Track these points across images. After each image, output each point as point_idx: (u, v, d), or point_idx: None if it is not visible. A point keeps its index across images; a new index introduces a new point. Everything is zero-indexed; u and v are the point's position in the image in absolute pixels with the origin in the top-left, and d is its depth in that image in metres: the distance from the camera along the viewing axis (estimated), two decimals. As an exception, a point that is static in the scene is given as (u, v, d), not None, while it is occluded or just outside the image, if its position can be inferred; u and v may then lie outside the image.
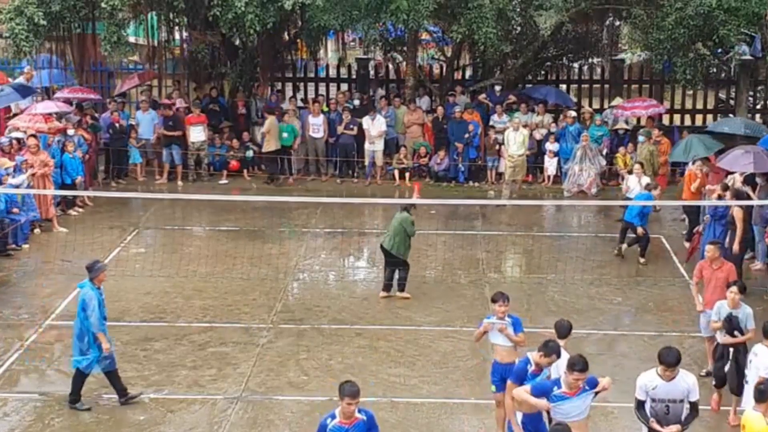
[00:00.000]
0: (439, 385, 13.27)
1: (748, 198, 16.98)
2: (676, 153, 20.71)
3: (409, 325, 15.30)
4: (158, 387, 13.11)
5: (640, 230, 18.11)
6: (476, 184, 23.96)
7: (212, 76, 26.87)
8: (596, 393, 9.66)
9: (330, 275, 18.06)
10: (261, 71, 25.89)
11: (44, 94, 25.01)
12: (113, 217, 20.88)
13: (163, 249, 19.04)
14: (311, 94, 28.03)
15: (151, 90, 26.51)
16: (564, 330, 10.93)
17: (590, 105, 26.99)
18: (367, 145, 24.00)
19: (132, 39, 26.26)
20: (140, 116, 24.36)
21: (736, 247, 16.19)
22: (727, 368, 12.12)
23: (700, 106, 28.61)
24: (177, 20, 24.94)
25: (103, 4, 21.91)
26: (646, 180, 18.71)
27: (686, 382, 9.70)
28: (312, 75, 29.72)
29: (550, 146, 23.72)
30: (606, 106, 24.90)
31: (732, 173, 18.19)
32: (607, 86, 28.13)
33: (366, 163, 24.19)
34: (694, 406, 9.73)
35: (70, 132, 21.36)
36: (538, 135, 23.99)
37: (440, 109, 24.53)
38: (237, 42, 26.36)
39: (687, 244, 18.41)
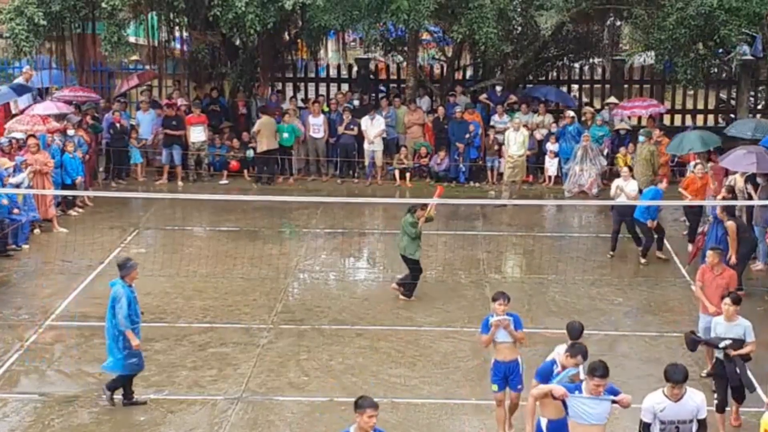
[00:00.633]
0: (439, 386, 13.25)
1: (750, 198, 16.97)
2: (672, 146, 20.92)
3: (409, 326, 15.28)
4: (158, 388, 13.08)
5: (650, 223, 18.06)
6: (477, 184, 23.93)
7: (212, 77, 26.86)
8: (614, 401, 9.40)
9: (330, 276, 18.03)
10: (261, 71, 25.87)
11: (39, 95, 24.93)
12: (113, 217, 20.86)
13: (163, 249, 19.02)
14: (311, 94, 28.03)
15: (151, 90, 26.46)
16: (575, 332, 10.89)
17: (591, 105, 26.92)
18: (366, 146, 23.97)
19: (132, 39, 26.23)
20: (140, 116, 24.34)
21: (733, 259, 16.15)
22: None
23: (701, 106, 28.58)
24: (177, 20, 24.92)
25: (103, 4, 21.89)
26: (634, 184, 18.57)
27: (694, 401, 9.41)
28: (312, 75, 29.70)
29: (551, 146, 23.69)
30: (613, 107, 24.81)
31: (734, 173, 18.17)
32: (608, 86, 28.11)
33: (366, 164, 24.16)
34: (702, 423, 9.47)
35: (70, 132, 21.34)
36: (538, 135, 23.97)
37: (441, 110, 24.50)
38: (237, 42, 26.34)
39: (690, 247, 18.34)
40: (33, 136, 19.93)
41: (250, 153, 24.11)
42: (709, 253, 13.58)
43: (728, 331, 11.70)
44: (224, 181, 23.95)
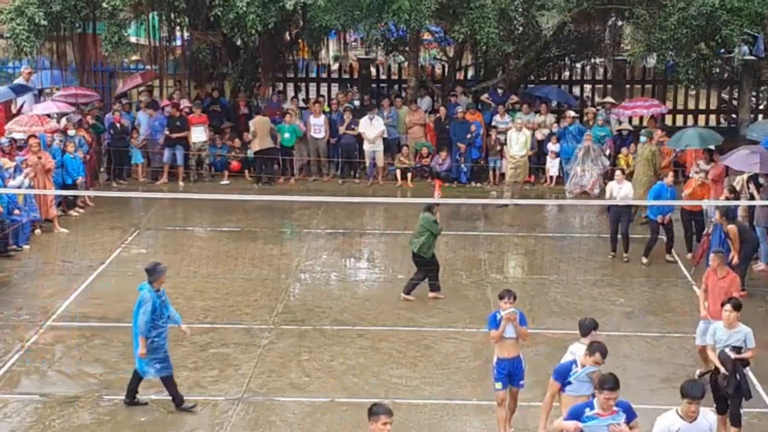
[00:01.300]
0: (441, 387, 13.23)
1: (752, 198, 16.94)
2: (671, 141, 21.12)
3: (411, 326, 15.25)
4: (159, 388, 13.02)
5: (660, 218, 18.01)
6: (479, 184, 23.91)
7: (213, 77, 26.84)
8: (629, 425, 9.20)
9: (332, 276, 18.01)
10: (262, 71, 25.86)
11: (39, 95, 24.94)
12: (114, 217, 20.85)
13: (164, 250, 18.99)
14: (312, 95, 28.01)
15: (152, 90, 26.42)
16: (584, 328, 10.88)
17: (593, 105, 26.89)
18: (366, 146, 23.94)
19: (133, 39, 26.22)
20: (141, 116, 24.31)
21: (735, 259, 16.15)
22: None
23: (702, 106, 28.55)
24: (178, 20, 24.90)
25: (104, 4, 21.89)
26: (627, 188, 18.47)
27: (708, 421, 9.19)
28: (313, 75, 29.69)
29: (552, 147, 23.67)
30: (610, 107, 24.79)
31: (736, 172, 18.14)
32: (609, 86, 28.09)
33: (367, 164, 24.13)
34: None
35: (71, 132, 21.32)
36: (540, 135, 23.95)
37: (442, 110, 24.47)
38: (238, 42, 26.32)
39: (689, 254, 18.32)
40: (34, 136, 19.92)
41: (250, 153, 24.09)
42: (711, 256, 13.50)
43: (729, 338, 11.55)
44: (225, 182, 23.94)
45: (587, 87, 29.17)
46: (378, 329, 15.13)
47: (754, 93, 28.07)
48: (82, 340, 14.65)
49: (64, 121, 22.18)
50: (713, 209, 17.23)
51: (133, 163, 23.98)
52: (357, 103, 25.64)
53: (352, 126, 24.03)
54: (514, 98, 25.03)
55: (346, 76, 29.11)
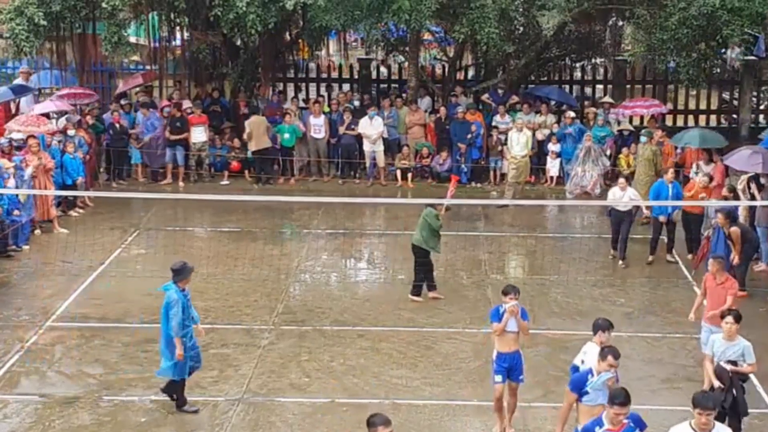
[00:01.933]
0: (441, 387, 13.21)
1: (753, 199, 16.92)
2: (674, 139, 21.33)
3: (411, 327, 15.23)
4: (159, 389, 13.04)
5: (662, 218, 17.98)
6: (479, 185, 23.88)
7: (213, 77, 26.82)
8: None
9: (332, 276, 17.99)
10: (262, 71, 25.84)
11: (37, 96, 24.92)
12: (114, 218, 20.82)
13: (164, 250, 18.97)
14: (312, 95, 28.00)
15: (152, 90, 26.38)
16: (595, 327, 10.85)
17: (593, 105, 26.87)
18: (366, 146, 23.91)
19: (133, 39, 26.20)
20: (140, 117, 24.26)
21: (737, 260, 16.13)
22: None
23: (703, 106, 28.53)
24: (178, 20, 24.88)
25: (103, 4, 21.87)
26: (631, 192, 18.38)
27: None
28: (313, 75, 29.68)
29: (553, 147, 23.64)
30: (609, 107, 24.77)
31: (737, 172, 18.12)
32: (610, 86, 28.08)
33: (367, 164, 24.10)
34: None
35: (71, 132, 21.30)
36: (540, 135, 23.92)
37: (443, 110, 24.45)
38: (238, 42, 26.30)
39: (689, 257, 18.30)
40: (33, 136, 19.90)
41: (250, 153, 24.05)
42: (710, 262, 13.35)
43: (726, 350, 11.38)
44: (225, 182, 23.91)
45: (581, 87, 29.10)
46: (378, 330, 15.11)
47: (755, 93, 28.04)
48: (81, 340, 14.62)
49: (63, 121, 22.16)
50: (714, 212, 17.18)
51: (133, 164, 23.94)
52: (357, 103, 25.61)
53: (352, 126, 24.01)
54: (515, 98, 25.00)
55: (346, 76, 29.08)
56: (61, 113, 22.86)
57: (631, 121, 24.89)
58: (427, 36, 28.71)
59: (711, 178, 18.69)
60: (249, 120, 23.69)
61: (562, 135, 23.59)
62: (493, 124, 24.14)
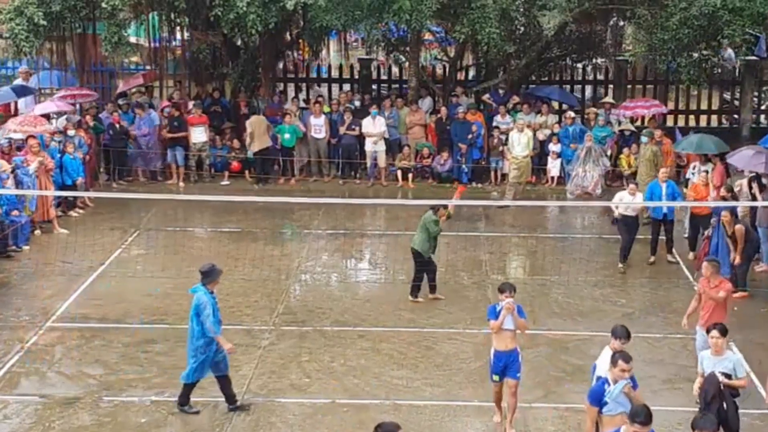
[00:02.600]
0: (442, 388, 13.20)
1: (754, 198, 16.90)
2: (676, 143, 21.48)
3: (412, 327, 15.21)
4: (160, 389, 13.03)
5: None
6: (480, 185, 23.84)
7: (214, 77, 26.79)
8: None
9: (332, 277, 17.98)
10: (263, 72, 25.81)
11: (36, 97, 24.92)
12: (114, 218, 20.80)
13: (164, 250, 18.96)
14: (312, 95, 27.97)
15: (152, 90, 26.35)
16: (612, 333, 10.84)
17: (593, 106, 26.85)
18: (368, 147, 23.88)
19: (133, 39, 26.17)
20: (137, 118, 24.18)
21: (738, 260, 16.10)
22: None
23: (704, 106, 28.51)
24: (178, 20, 24.85)
25: (103, 4, 21.85)
26: (639, 198, 18.31)
27: None
28: (314, 75, 29.66)
29: (553, 147, 23.62)
30: (609, 108, 24.74)
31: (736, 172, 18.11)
32: (611, 87, 28.07)
33: (368, 165, 24.07)
34: None
35: (71, 133, 21.28)
36: (541, 136, 23.89)
37: (444, 110, 24.42)
38: (239, 42, 26.27)
39: (691, 256, 18.26)
40: (33, 136, 19.88)
41: (250, 154, 24.03)
42: (704, 265, 13.23)
43: (716, 366, 11.11)
44: (225, 182, 23.89)
45: (582, 88, 29.08)
46: (379, 330, 15.09)
47: (756, 93, 28.02)
48: (81, 341, 14.61)
49: (63, 121, 22.14)
50: (715, 210, 17.16)
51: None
52: (357, 103, 25.58)
53: (353, 126, 23.98)
54: (516, 98, 24.96)
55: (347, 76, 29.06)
56: (61, 114, 22.82)
57: (632, 122, 24.85)
58: (427, 36, 28.68)
59: (707, 174, 18.66)
60: (249, 120, 23.66)
61: (563, 134, 23.52)
62: (494, 124, 24.10)
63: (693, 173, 19.68)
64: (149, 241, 19.77)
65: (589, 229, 20.86)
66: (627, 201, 17.81)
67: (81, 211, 21.30)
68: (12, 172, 18.70)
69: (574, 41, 27.19)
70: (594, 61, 28.82)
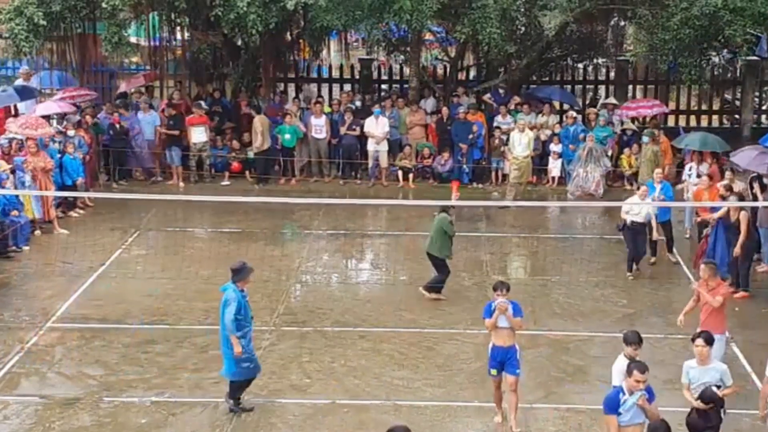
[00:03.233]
0: (442, 388, 13.18)
1: (755, 199, 16.88)
2: (676, 140, 21.42)
3: (412, 328, 15.18)
4: (160, 390, 13.02)
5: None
6: (480, 185, 23.80)
7: (214, 77, 26.76)
8: None
9: (333, 277, 17.96)
10: (263, 72, 25.78)
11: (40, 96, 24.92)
12: (114, 218, 20.77)
13: (164, 251, 18.96)
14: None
15: (152, 91, 26.32)
16: (623, 340, 10.75)
17: (594, 106, 26.82)
18: (370, 146, 23.83)
19: (133, 39, 26.14)
20: (141, 117, 24.19)
21: (737, 250, 16.08)
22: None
23: (705, 106, 28.49)
24: (178, 20, 24.83)
25: (103, 4, 21.82)
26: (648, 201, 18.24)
27: None
28: (314, 75, 29.64)
29: (554, 147, 23.58)
30: (612, 109, 24.71)
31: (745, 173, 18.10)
32: (612, 87, 28.07)
33: (369, 165, 24.04)
34: None
35: (71, 133, 21.25)
36: (542, 136, 23.86)
37: (445, 110, 24.38)
38: (239, 42, 26.24)
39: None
40: (32, 137, 19.84)
41: (251, 154, 24.00)
42: (702, 267, 13.16)
43: (702, 376, 10.81)
44: (226, 183, 23.86)
45: (583, 88, 29.05)
46: (379, 331, 15.07)
47: (757, 93, 28.00)
48: (82, 341, 14.59)
49: (63, 122, 22.09)
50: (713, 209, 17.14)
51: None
52: (358, 103, 25.55)
53: (354, 126, 23.95)
54: (517, 99, 24.91)
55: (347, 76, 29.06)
56: (61, 115, 22.79)
57: (633, 122, 24.84)
58: (428, 36, 28.66)
59: (711, 177, 18.60)
60: (257, 119, 23.60)
61: (564, 135, 23.48)
62: (495, 124, 24.06)
63: (690, 173, 19.67)
64: (149, 241, 19.76)
65: (590, 230, 20.83)
66: (636, 205, 17.41)
67: (81, 211, 21.27)
68: (12, 172, 18.70)
69: (575, 41, 27.18)
70: (595, 61, 28.79)
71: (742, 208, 16.21)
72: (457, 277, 17.39)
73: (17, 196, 18.46)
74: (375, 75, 28.75)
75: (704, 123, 27.81)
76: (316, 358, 14.01)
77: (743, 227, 16.14)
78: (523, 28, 25.48)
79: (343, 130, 24.08)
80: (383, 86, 28.54)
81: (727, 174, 17.85)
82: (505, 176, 23.48)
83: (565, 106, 26.23)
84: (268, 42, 24.83)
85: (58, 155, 20.59)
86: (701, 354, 10.78)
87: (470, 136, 23.46)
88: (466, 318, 15.49)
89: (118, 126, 23.36)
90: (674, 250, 18.43)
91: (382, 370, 13.66)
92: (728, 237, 16.50)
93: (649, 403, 9.69)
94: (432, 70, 29.66)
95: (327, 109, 25.41)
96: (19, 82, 25.11)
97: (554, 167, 23.67)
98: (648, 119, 24.90)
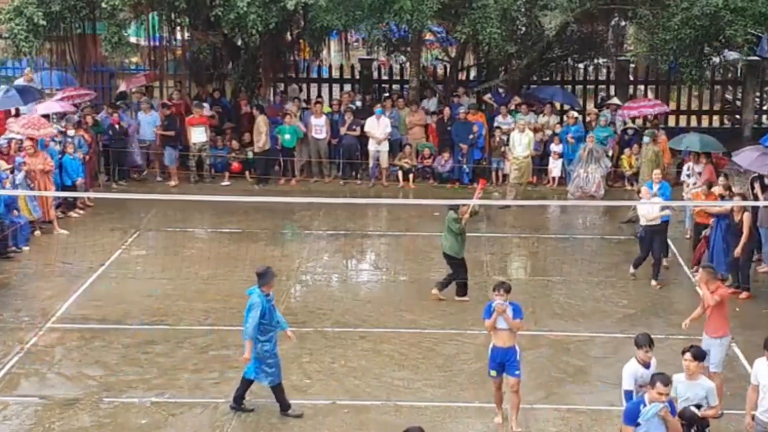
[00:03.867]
0: (443, 389, 13.17)
1: (756, 199, 16.87)
2: (672, 141, 21.39)
3: (413, 328, 15.16)
4: (160, 390, 13.00)
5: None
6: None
7: (214, 77, 26.74)
8: None
9: (333, 278, 17.94)
10: (263, 72, 25.76)
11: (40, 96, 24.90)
12: (114, 219, 20.75)
13: (164, 251, 18.94)
14: (313, 95, 27.93)
15: (152, 91, 26.29)
16: (635, 344, 10.73)
17: (595, 106, 26.81)
18: (371, 146, 23.80)
19: (133, 39, 26.12)
20: (141, 117, 24.18)
21: (738, 250, 16.06)
22: None
23: (706, 107, 28.47)
24: (178, 20, 24.81)
25: (103, 4, 21.81)
26: (657, 207, 18.12)
27: None
28: (314, 76, 29.62)
29: (555, 147, 23.56)
30: (614, 109, 24.69)
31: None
32: (612, 87, 28.05)
33: (370, 165, 24.01)
34: None
35: (71, 133, 21.23)
36: (543, 136, 23.83)
37: (446, 110, 24.35)
38: (239, 42, 26.23)
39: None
40: (31, 137, 19.81)
41: (251, 154, 23.97)
42: (699, 272, 13.14)
43: (687, 391, 10.67)
44: (226, 183, 23.83)
45: (584, 88, 29.02)
46: (380, 331, 15.05)
47: (757, 93, 27.98)
48: (81, 342, 14.57)
49: (63, 122, 22.07)
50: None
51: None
52: (358, 103, 25.53)
53: (354, 127, 23.93)
54: (517, 99, 24.87)
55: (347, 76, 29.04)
56: (61, 115, 22.77)
57: (634, 121, 24.81)
58: (428, 36, 28.64)
59: (711, 185, 18.53)
60: (259, 118, 23.56)
61: (564, 135, 23.44)
62: (496, 124, 24.03)
63: (688, 174, 19.65)
64: (149, 241, 19.74)
65: (590, 230, 20.81)
66: (645, 207, 17.23)
67: (81, 211, 21.24)
68: (12, 172, 18.68)
69: (575, 41, 27.16)
70: (595, 61, 28.78)
71: (745, 210, 16.17)
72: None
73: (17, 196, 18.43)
74: (375, 75, 28.72)
75: (705, 123, 27.78)
76: (317, 359, 14.00)
77: (746, 228, 16.11)
78: (523, 28, 25.45)
79: (343, 130, 24.05)
80: (383, 86, 28.50)
81: (721, 179, 17.82)
82: (505, 176, 23.45)
83: (566, 106, 26.18)
84: (268, 42, 24.80)
85: (58, 155, 20.56)
86: (688, 369, 10.67)
87: (470, 137, 23.43)
88: (467, 318, 15.46)
89: (117, 126, 23.34)
90: (674, 248, 18.40)
91: (382, 371, 13.64)
92: (728, 237, 16.48)
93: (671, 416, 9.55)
94: (432, 70, 29.64)
95: (327, 109, 25.38)
96: (20, 81, 25.06)
97: (555, 167, 23.64)
98: (650, 119, 24.87)
